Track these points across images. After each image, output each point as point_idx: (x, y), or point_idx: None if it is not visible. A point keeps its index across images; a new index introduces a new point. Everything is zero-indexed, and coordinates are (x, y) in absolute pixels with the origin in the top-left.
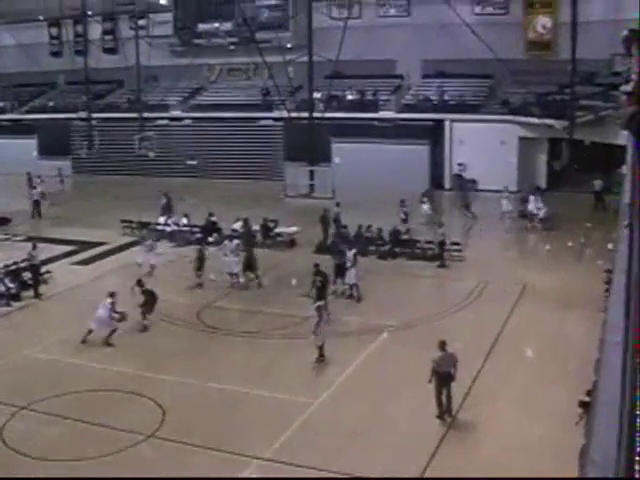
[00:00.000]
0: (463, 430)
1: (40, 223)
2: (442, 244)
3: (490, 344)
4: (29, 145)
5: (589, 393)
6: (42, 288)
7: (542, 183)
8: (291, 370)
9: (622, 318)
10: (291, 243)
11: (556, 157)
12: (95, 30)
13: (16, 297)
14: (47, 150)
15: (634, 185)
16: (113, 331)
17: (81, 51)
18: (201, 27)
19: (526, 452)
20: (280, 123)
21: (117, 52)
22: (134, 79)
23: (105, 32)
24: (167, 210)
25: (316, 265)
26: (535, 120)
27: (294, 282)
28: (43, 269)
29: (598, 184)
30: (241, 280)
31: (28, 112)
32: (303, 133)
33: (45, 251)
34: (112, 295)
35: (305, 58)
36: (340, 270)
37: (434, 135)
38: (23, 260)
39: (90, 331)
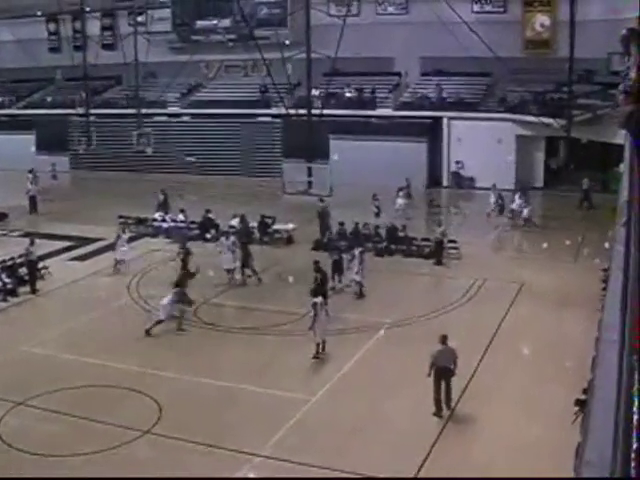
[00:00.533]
0: (460, 427)
1: (37, 219)
2: (440, 243)
3: (487, 342)
4: (27, 140)
5: (585, 391)
6: (39, 284)
7: (539, 181)
8: (288, 367)
9: (618, 316)
10: (288, 240)
11: (553, 155)
12: (94, 26)
13: (13, 293)
14: (45, 146)
15: (632, 184)
16: (159, 322)
17: (79, 47)
18: (199, 24)
19: (522, 451)
20: (278, 120)
21: (115, 48)
22: (132, 75)
23: (104, 28)
24: (164, 207)
25: (316, 262)
26: (533, 118)
27: (291, 279)
28: (40, 265)
29: (586, 182)
30: (237, 277)
31: (26, 108)
32: (301, 130)
33: (42, 247)
34: (178, 285)
35: (303, 55)
36: (337, 267)
37: (432, 133)
38: (20, 256)
39: (159, 322)
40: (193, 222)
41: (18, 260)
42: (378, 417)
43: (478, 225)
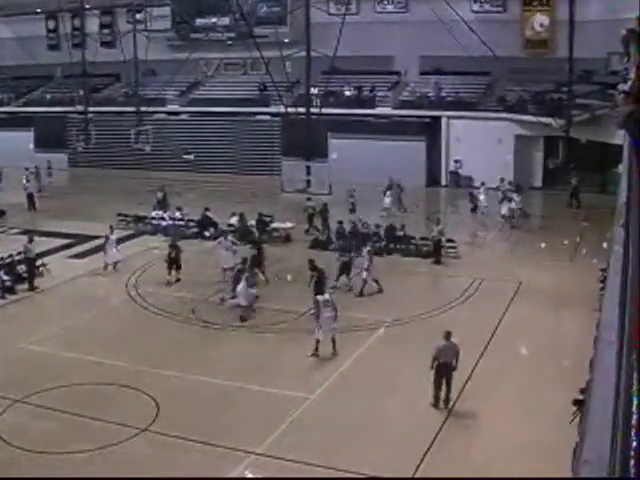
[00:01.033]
0: (458, 426)
1: (36, 216)
2: (438, 242)
3: (485, 341)
4: (26, 138)
5: (583, 391)
6: (37, 281)
7: (538, 181)
8: (287, 365)
9: (616, 316)
10: (286, 238)
11: (552, 155)
12: (93, 24)
13: (11, 290)
14: (44, 143)
15: (630, 184)
16: (241, 306)
17: (78, 44)
18: (199, 22)
19: (520, 450)
20: (277, 118)
21: (115, 46)
22: (131, 73)
23: (103, 26)
24: (162, 204)
25: (310, 261)
26: (532, 118)
27: (290, 277)
28: (38, 262)
29: (574, 180)
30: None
31: (25, 105)
32: (300, 129)
33: (41, 244)
34: (252, 268)
35: (303, 53)
36: (346, 268)
37: (431, 132)
38: (19, 253)
39: (240, 306)
40: (191, 220)
41: (16, 257)
42: (376, 415)
43: (477, 224)
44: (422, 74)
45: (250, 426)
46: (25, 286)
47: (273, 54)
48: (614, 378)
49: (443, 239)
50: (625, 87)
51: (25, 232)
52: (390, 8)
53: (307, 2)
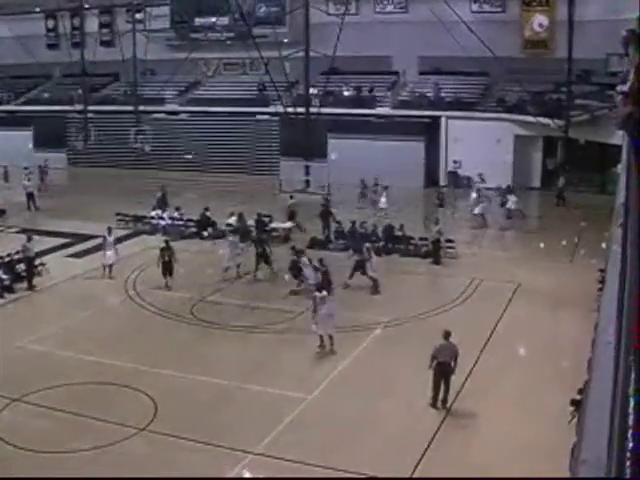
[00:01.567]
0: (456, 426)
1: (35, 215)
2: (437, 242)
3: (483, 342)
4: (25, 137)
5: (581, 391)
6: (36, 280)
7: (537, 181)
8: (285, 365)
9: (615, 317)
10: (285, 238)
11: (551, 156)
12: (92, 23)
13: (10, 289)
14: (43, 142)
15: (629, 184)
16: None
17: (78, 44)
18: (198, 21)
19: (518, 450)
20: (276, 118)
21: (114, 45)
22: (130, 72)
23: (102, 25)
24: (162, 204)
25: (320, 260)
26: (531, 118)
27: (287, 278)
28: (37, 261)
29: (561, 181)
30: (258, 274)
31: (24, 104)
32: (299, 128)
33: (40, 243)
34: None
35: (302, 53)
36: (361, 266)
37: (430, 132)
38: (17, 252)
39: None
40: (190, 220)
41: (15, 256)
42: (375, 415)
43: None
44: (421, 74)
45: (249, 426)
46: (24, 285)
47: (272, 54)
48: (612, 379)
49: (442, 239)
50: (624, 88)
51: (24, 231)
52: (389, 8)
53: (306, 2)
